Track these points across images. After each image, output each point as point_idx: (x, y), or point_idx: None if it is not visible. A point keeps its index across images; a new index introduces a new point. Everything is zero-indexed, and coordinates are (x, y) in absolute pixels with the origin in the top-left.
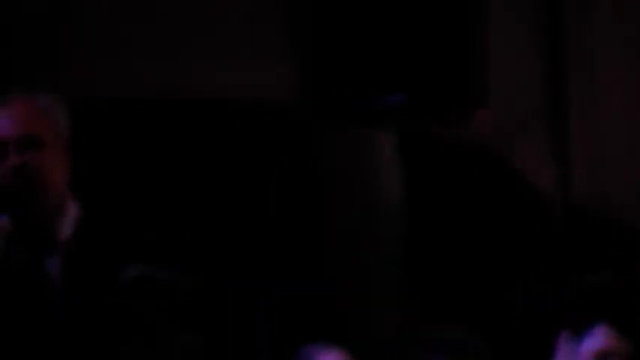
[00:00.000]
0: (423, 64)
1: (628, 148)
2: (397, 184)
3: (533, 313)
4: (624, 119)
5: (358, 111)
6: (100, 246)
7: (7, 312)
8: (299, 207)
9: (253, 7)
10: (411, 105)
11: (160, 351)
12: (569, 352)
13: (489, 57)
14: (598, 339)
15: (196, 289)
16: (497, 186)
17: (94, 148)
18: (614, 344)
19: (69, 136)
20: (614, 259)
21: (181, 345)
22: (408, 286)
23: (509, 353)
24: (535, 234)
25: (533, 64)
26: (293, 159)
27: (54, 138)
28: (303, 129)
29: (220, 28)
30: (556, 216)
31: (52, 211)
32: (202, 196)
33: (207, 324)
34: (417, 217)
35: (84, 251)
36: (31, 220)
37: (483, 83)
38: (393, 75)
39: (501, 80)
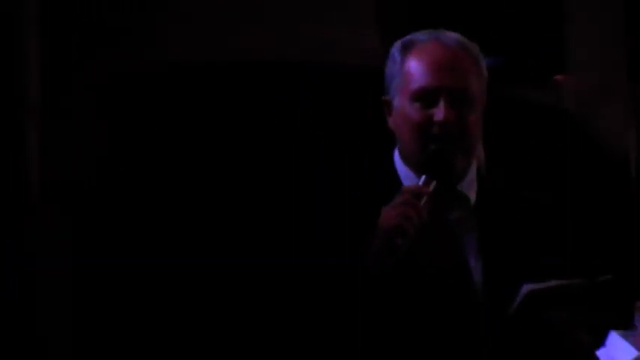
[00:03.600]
0: (507, 27)
1: None
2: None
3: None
4: None
5: None
6: (510, 212)
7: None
8: None
9: None
10: (501, 68)
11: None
12: None
13: (569, 19)
14: None
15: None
16: (576, 149)
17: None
18: None
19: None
20: None
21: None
22: None
23: None
24: (614, 198)
25: (615, 25)
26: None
27: (480, 95)
28: None
29: None
30: (633, 181)
31: (461, 174)
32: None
33: None
34: None
35: (494, 217)
36: (445, 181)
37: (563, 46)
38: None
39: (581, 44)
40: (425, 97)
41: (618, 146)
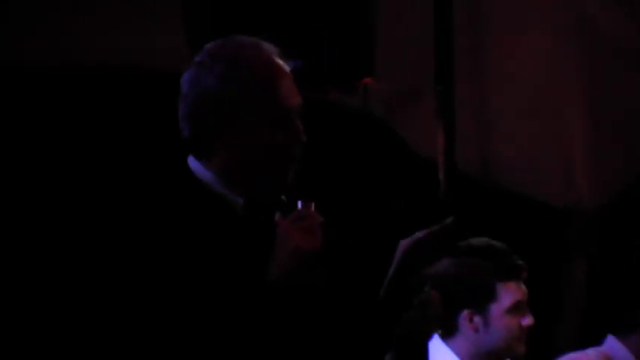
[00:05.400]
0: (315, 33)
1: (515, 115)
2: None
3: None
4: (512, 88)
5: None
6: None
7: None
8: None
9: None
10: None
11: None
12: None
13: (377, 26)
14: None
15: None
16: (384, 153)
17: None
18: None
19: None
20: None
21: None
22: None
23: None
24: (420, 201)
25: (423, 31)
26: None
27: None
28: None
29: None
30: (441, 183)
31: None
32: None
33: None
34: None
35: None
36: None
37: (370, 52)
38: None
39: (389, 49)
40: None
41: (426, 149)
